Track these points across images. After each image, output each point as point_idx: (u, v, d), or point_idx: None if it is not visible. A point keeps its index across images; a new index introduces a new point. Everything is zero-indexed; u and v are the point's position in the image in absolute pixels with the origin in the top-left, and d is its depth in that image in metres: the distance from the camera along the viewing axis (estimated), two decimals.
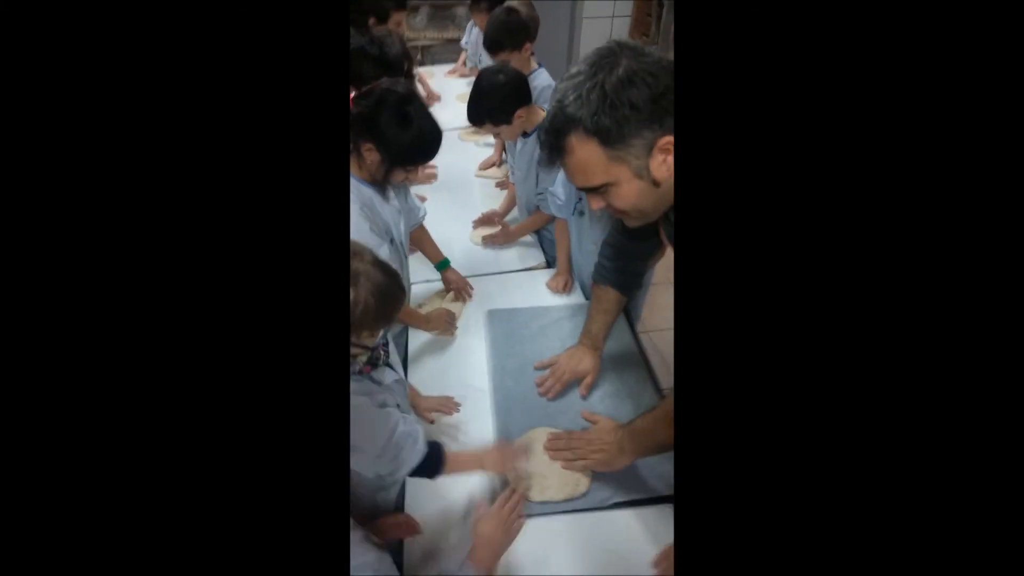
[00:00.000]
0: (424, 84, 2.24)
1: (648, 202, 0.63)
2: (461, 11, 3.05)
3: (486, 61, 1.97)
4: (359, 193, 0.93)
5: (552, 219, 1.33)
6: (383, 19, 1.59)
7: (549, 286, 1.26)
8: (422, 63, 3.13)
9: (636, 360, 1.05)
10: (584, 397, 0.96)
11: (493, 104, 1.20)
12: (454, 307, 1.20)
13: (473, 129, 2.00)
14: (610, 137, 0.58)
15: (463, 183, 1.74)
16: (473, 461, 0.79)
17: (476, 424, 0.93)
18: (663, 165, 0.59)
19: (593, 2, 3.02)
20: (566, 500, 0.80)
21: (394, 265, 1.03)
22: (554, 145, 0.62)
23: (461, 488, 0.82)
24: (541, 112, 1.31)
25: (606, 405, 0.95)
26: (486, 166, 1.80)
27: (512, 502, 0.71)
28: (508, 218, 1.52)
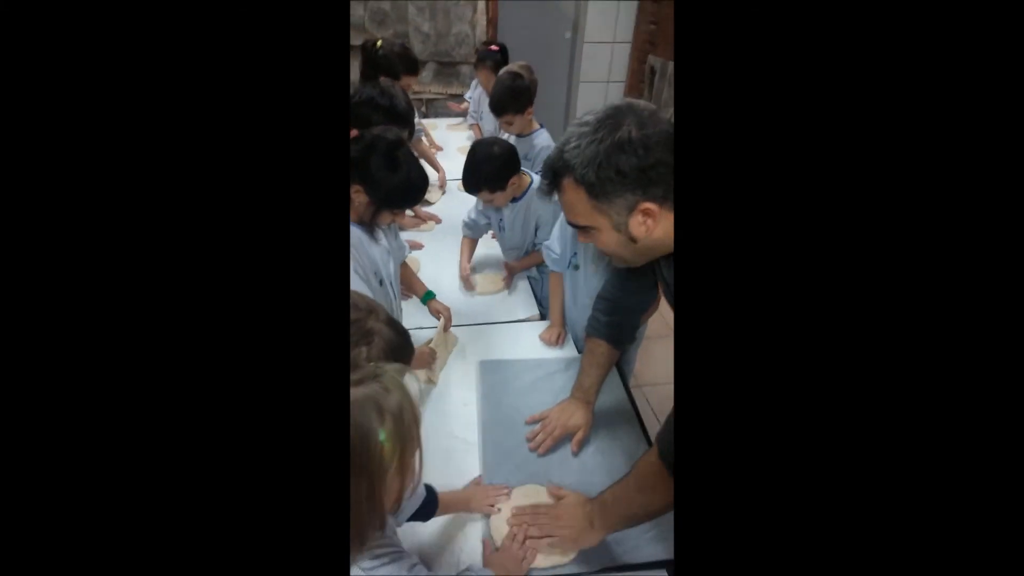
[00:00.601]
0: (427, 135, 2.32)
1: (627, 252, 0.68)
2: (465, 69, 3.21)
3: (487, 117, 2.06)
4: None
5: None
6: (393, 79, 1.66)
7: (543, 338, 1.26)
8: (425, 115, 3.26)
9: (629, 415, 1.04)
10: (575, 453, 0.94)
11: (489, 174, 1.28)
12: (442, 341, 1.18)
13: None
14: (594, 191, 0.63)
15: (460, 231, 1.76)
16: (461, 501, 0.82)
17: (464, 479, 0.91)
18: (642, 226, 0.64)
19: (590, 67, 3.20)
20: (550, 568, 0.76)
21: (384, 306, 1.05)
22: (551, 181, 0.68)
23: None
24: (527, 177, 1.37)
25: (597, 461, 0.93)
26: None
27: (522, 535, 0.75)
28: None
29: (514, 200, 1.40)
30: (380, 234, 1.02)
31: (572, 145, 0.64)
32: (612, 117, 0.62)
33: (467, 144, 1.38)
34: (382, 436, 0.45)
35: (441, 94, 3.30)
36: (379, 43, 1.70)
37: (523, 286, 1.51)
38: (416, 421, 0.48)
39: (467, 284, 1.48)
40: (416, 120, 1.64)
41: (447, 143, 2.38)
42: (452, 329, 1.25)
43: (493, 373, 1.13)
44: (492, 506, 0.83)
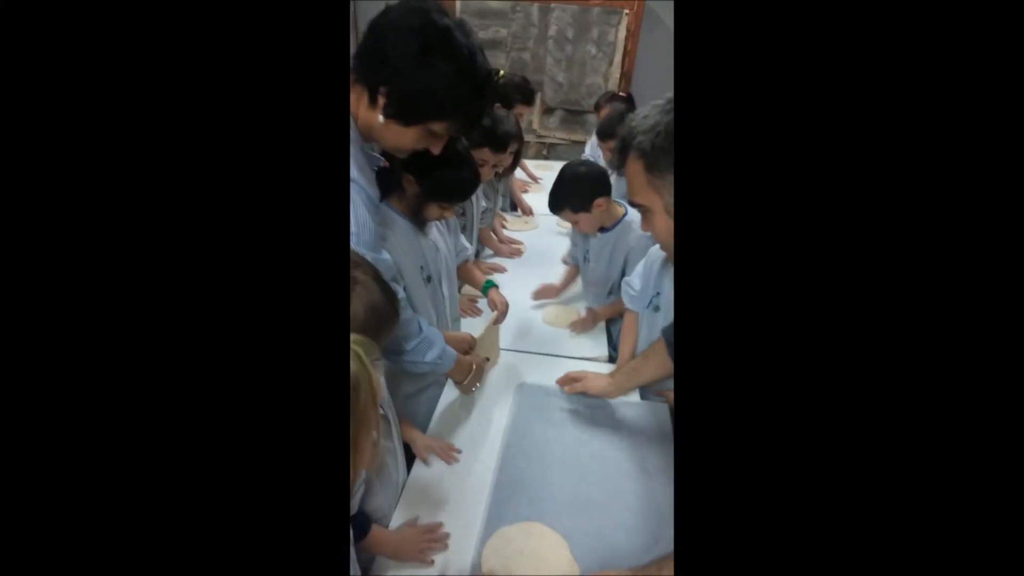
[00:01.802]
0: (524, 168, 2.38)
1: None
2: (591, 118, 3.26)
3: (599, 159, 2.05)
4: (394, 224, 0.95)
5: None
6: (507, 108, 1.72)
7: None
8: (547, 157, 3.35)
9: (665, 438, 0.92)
10: (564, 390, 0.98)
11: (573, 192, 1.24)
12: (490, 334, 1.13)
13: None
14: (649, 163, 0.62)
15: (547, 265, 1.72)
16: (388, 544, 0.73)
17: (469, 500, 0.81)
18: None
19: None
20: None
21: (427, 303, 1.02)
22: (620, 151, 0.66)
23: None
24: (620, 209, 1.29)
25: (622, 518, 0.79)
26: (540, 295, 1.51)
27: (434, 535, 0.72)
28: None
29: (603, 230, 1.32)
30: (433, 230, 1.01)
31: (642, 115, 0.62)
32: None
33: None
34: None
35: (564, 139, 3.39)
36: (501, 72, 1.77)
37: (599, 327, 1.40)
38: (374, 401, 0.44)
39: (544, 294, 1.42)
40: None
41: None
42: (513, 354, 1.18)
43: (529, 397, 1.04)
44: (426, 559, 0.71)
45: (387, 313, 0.64)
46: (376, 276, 0.65)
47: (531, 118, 3.37)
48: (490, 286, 1.27)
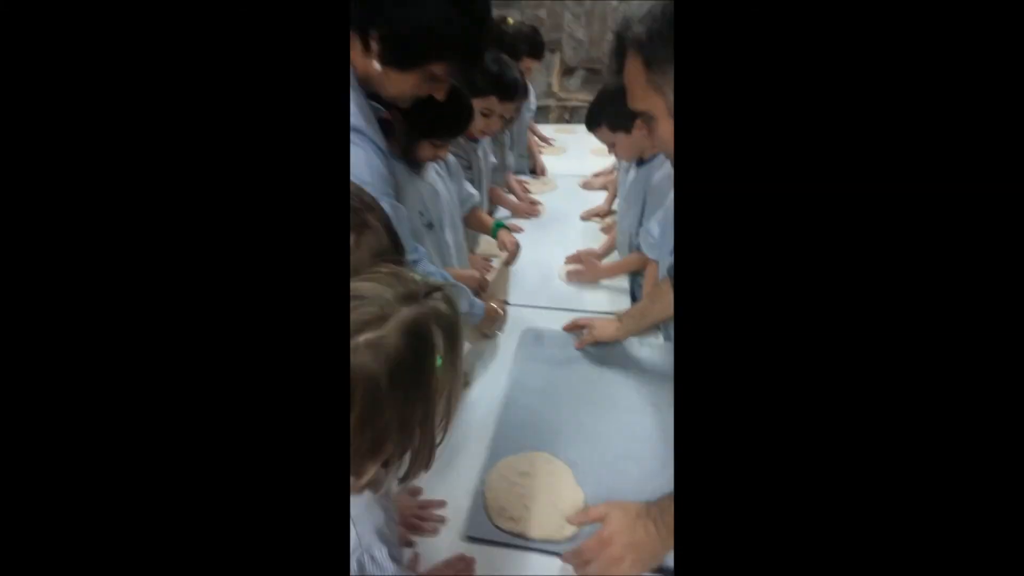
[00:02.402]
0: (534, 131, 2.31)
1: None
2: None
3: None
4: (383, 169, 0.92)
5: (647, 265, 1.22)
6: (514, 60, 1.68)
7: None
8: (568, 121, 3.28)
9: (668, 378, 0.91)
10: (578, 348, 1.01)
11: (612, 107, 1.13)
12: (502, 275, 1.14)
13: (595, 177, 2.00)
14: (647, 56, 0.55)
15: (566, 224, 1.71)
16: None
17: (474, 434, 0.83)
18: None
19: None
20: (544, 540, 0.66)
21: (430, 251, 1.02)
22: (616, 52, 0.59)
23: None
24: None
25: (627, 449, 0.80)
26: (590, 215, 1.71)
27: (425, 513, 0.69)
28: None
29: (639, 164, 1.25)
30: (431, 173, 1.01)
31: (636, 3, 0.57)
32: None
33: (602, 147, 1.31)
34: (439, 361, 0.42)
35: (586, 101, 3.30)
36: (509, 20, 1.72)
37: (621, 281, 1.38)
38: (461, 354, 0.44)
39: (580, 259, 1.37)
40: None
41: (582, 145, 2.32)
42: (530, 310, 1.18)
43: (534, 340, 1.06)
44: (406, 536, 0.67)
45: (392, 263, 0.65)
46: (387, 223, 0.64)
47: (549, 80, 3.30)
48: (500, 227, 1.25)
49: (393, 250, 0.64)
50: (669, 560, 0.61)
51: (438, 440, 0.44)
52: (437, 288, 0.43)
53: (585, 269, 1.35)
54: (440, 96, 0.77)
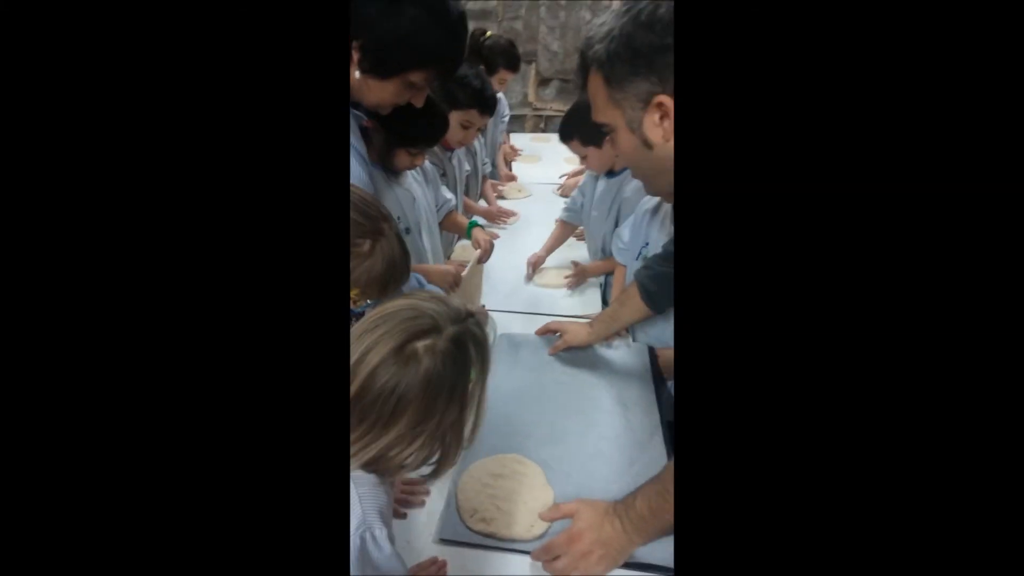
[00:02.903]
0: (505, 140, 2.36)
1: (644, 164, 0.59)
2: None
3: None
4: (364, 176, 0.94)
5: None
6: (491, 72, 1.71)
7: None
8: (544, 130, 3.33)
9: (649, 405, 0.91)
10: (550, 353, 1.02)
11: (585, 122, 1.17)
12: (473, 272, 1.14)
13: (569, 179, 2.04)
14: (606, 73, 0.56)
15: (541, 231, 1.73)
16: None
17: None
18: (657, 127, 0.54)
19: None
20: (515, 540, 0.67)
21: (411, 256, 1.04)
22: (580, 69, 0.61)
23: None
24: None
25: (598, 448, 0.81)
26: (532, 265, 1.48)
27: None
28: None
29: (610, 175, 1.30)
30: (408, 179, 1.02)
31: (599, 22, 0.56)
32: None
33: (575, 156, 1.35)
34: (472, 373, 0.49)
35: (561, 111, 3.35)
36: (488, 33, 1.76)
37: (594, 290, 1.41)
38: (489, 369, 0.51)
39: (530, 270, 1.42)
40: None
41: (558, 154, 2.35)
42: (505, 314, 1.19)
43: (507, 345, 1.07)
44: (399, 511, 0.70)
45: (402, 269, 0.67)
46: (397, 235, 0.66)
47: (525, 90, 3.35)
48: (474, 226, 1.26)
49: (404, 258, 0.67)
50: (636, 556, 0.63)
51: (465, 444, 0.51)
52: (471, 314, 0.51)
53: (576, 274, 1.39)
54: (419, 103, 0.79)
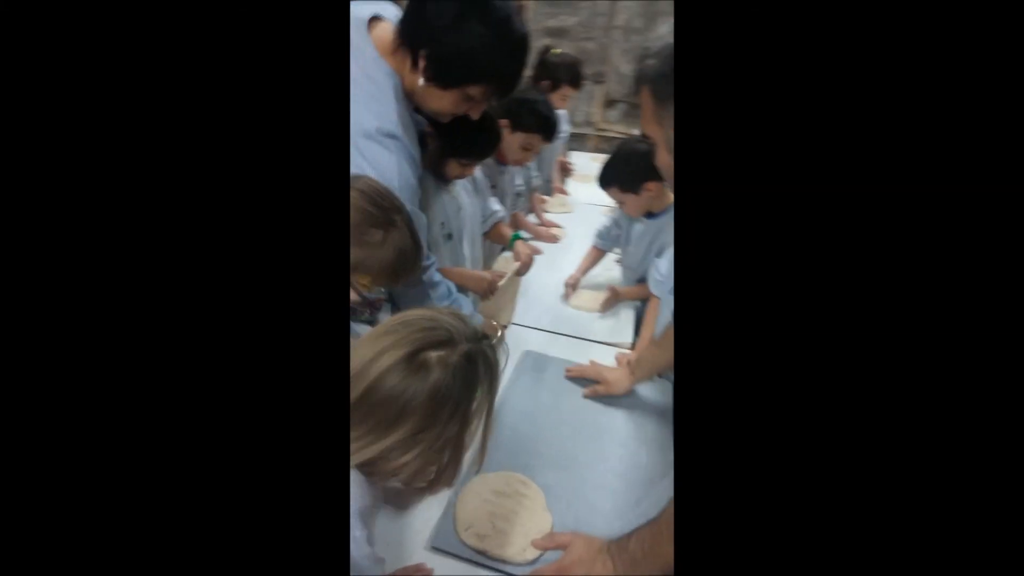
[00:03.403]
0: (563, 158, 2.36)
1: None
2: None
3: None
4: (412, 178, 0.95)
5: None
6: (553, 88, 1.73)
7: (618, 360, 1.13)
8: (605, 151, 3.32)
9: (664, 443, 0.89)
10: (585, 396, 0.97)
11: (625, 169, 1.20)
12: (510, 284, 1.14)
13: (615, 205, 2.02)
14: (654, 89, 0.56)
15: (582, 250, 1.72)
16: None
17: None
18: None
19: None
20: (505, 561, 0.66)
21: (446, 261, 1.06)
22: (635, 77, 0.62)
23: None
24: (671, 197, 1.26)
25: (606, 480, 0.80)
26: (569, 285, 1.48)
27: None
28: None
29: (650, 216, 1.30)
30: (457, 187, 1.04)
31: (657, 35, 0.60)
32: None
33: None
34: (479, 392, 0.50)
35: (624, 134, 3.35)
36: (555, 49, 1.78)
37: (628, 313, 1.39)
38: (497, 393, 0.52)
39: (568, 291, 1.42)
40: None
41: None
42: (537, 333, 1.19)
43: (532, 364, 1.06)
44: None
45: (412, 261, 0.69)
46: (410, 225, 0.69)
47: (591, 110, 3.36)
48: (517, 238, 1.27)
49: (414, 249, 0.68)
50: None
51: (466, 468, 0.51)
52: (487, 336, 0.52)
53: (611, 298, 1.38)
54: (475, 116, 0.81)
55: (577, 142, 3.37)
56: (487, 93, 0.78)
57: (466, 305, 0.98)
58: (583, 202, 2.14)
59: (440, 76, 0.74)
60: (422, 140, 0.88)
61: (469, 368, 0.48)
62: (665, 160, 0.60)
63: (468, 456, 0.52)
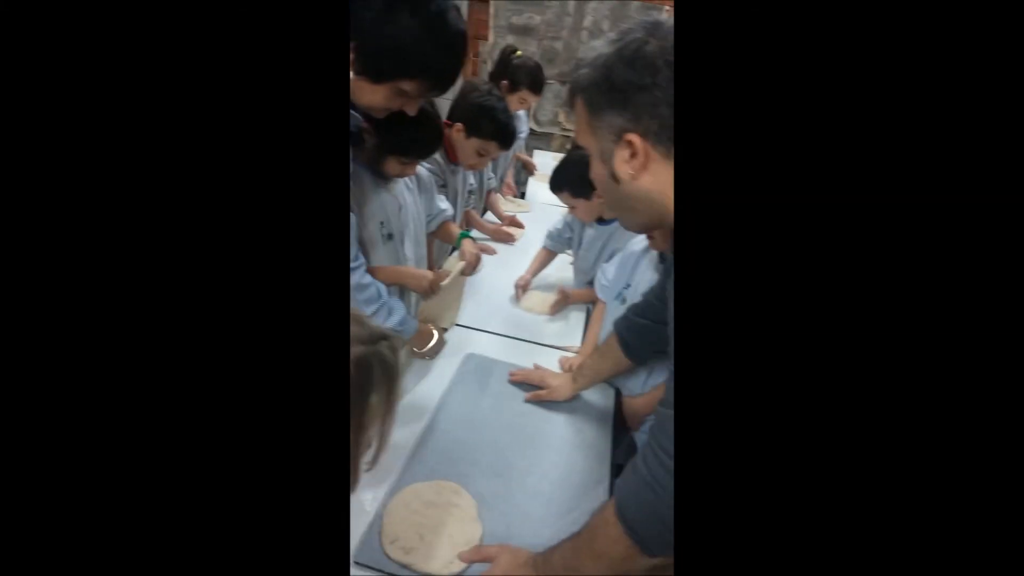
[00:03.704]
0: (522, 156, 2.37)
1: (612, 196, 0.58)
2: None
3: None
4: (352, 175, 0.93)
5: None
6: (512, 90, 1.71)
7: (561, 364, 1.14)
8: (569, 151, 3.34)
9: (601, 453, 0.89)
10: (527, 400, 0.98)
11: (576, 175, 1.20)
12: (454, 282, 1.12)
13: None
14: (586, 101, 0.55)
15: (536, 250, 1.72)
16: None
17: (388, 454, 0.82)
18: (625, 163, 0.53)
19: None
20: (425, 575, 0.65)
21: (384, 262, 1.02)
22: (569, 90, 0.61)
23: None
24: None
25: (543, 488, 0.79)
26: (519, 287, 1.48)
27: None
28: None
29: (601, 222, 1.31)
30: (399, 185, 1.02)
31: (594, 44, 0.56)
32: (644, 28, 0.52)
33: None
34: (373, 399, 0.47)
35: None
36: (518, 52, 1.77)
37: (578, 316, 1.40)
38: (398, 396, 0.49)
39: (518, 292, 1.41)
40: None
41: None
42: (485, 336, 1.18)
43: (473, 367, 1.05)
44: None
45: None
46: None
47: (556, 109, 3.36)
48: (465, 236, 1.25)
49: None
50: None
51: (364, 468, 0.49)
52: (385, 336, 0.49)
53: (560, 300, 1.38)
54: (411, 111, 0.79)
55: (542, 141, 3.36)
56: (422, 89, 0.75)
57: (399, 308, 0.95)
58: (542, 202, 2.14)
59: (368, 70, 0.72)
60: (357, 136, 0.85)
61: (360, 373, 0.46)
62: (599, 171, 0.59)
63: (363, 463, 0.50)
